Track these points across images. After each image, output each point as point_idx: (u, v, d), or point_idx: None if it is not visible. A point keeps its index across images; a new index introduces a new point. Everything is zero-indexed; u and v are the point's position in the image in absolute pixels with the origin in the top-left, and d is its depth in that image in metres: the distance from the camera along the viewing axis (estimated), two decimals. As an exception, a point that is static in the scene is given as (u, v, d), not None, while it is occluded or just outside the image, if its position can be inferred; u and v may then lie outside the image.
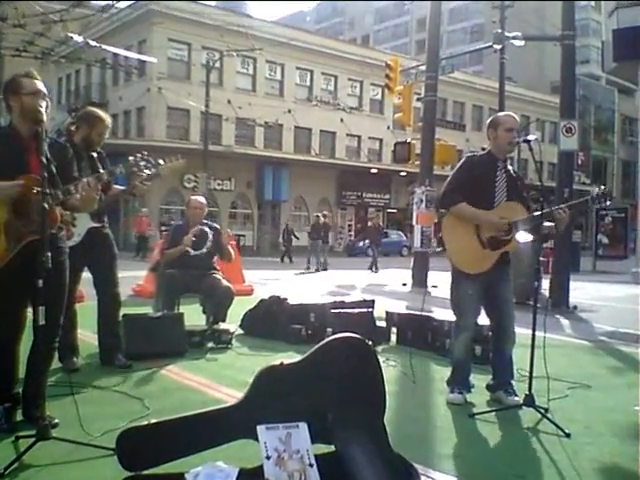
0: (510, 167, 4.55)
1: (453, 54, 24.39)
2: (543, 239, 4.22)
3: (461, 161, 4.66)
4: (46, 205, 3.21)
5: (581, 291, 12.62)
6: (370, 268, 20.50)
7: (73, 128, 5.05)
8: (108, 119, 5.10)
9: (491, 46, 16.40)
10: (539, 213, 4.18)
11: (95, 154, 5.04)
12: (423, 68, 15.54)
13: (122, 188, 5.16)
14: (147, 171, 4.17)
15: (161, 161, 4.21)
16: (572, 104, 11.61)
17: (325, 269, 20.70)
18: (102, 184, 4.36)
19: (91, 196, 3.67)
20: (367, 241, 21.88)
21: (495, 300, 4.48)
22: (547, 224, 4.25)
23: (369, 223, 23.24)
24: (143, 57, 28.35)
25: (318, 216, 22.09)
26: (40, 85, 3.57)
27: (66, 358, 5.04)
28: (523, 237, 4.17)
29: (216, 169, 29.52)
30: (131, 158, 4.10)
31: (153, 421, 2.79)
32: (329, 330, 6.18)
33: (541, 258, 4.46)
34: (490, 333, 4.75)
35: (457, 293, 4.53)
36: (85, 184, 3.60)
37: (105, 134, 5.06)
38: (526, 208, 4.34)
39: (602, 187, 4.35)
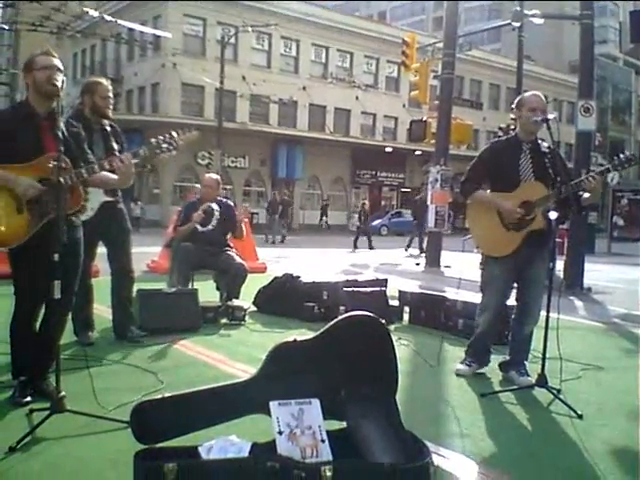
0: (544, 144, 4.46)
1: (471, 31, 24.11)
2: (577, 212, 4.24)
3: (484, 148, 4.70)
4: (62, 179, 3.23)
5: (596, 273, 12.55)
6: (409, 248, 19.21)
7: (80, 105, 5.06)
8: (105, 81, 5.13)
9: (509, 24, 16.18)
10: (562, 188, 4.13)
11: (109, 128, 5.05)
12: (440, 45, 15.40)
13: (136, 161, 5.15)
14: (168, 151, 4.17)
15: (174, 133, 4.23)
16: (590, 84, 11.49)
17: (282, 241, 22.92)
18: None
19: (128, 172, 3.70)
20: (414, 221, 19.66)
21: (526, 281, 4.50)
22: (585, 195, 4.24)
23: (417, 197, 21.23)
24: (158, 32, 28.26)
25: (275, 194, 24.73)
26: (54, 61, 3.56)
27: (81, 332, 5.10)
28: (553, 214, 4.11)
29: (230, 146, 29.51)
30: (153, 140, 4.12)
31: (167, 395, 2.81)
32: (342, 308, 6.20)
33: (556, 239, 4.43)
34: (513, 313, 4.74)
35: (485, 272, 4.64)
36: (119, 160, 3.63)
37: (108, 96, 5.03)
38: (551, 185, 4.27)
39: (627, 153, 4.25)
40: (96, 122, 4.96)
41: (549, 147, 4.45)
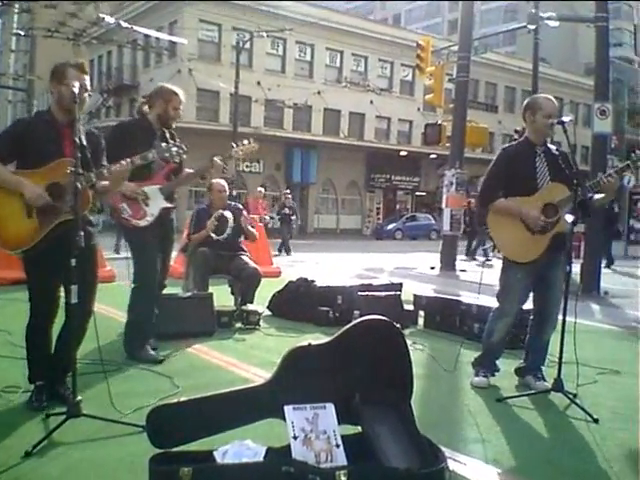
0: (552, 146, 4.45)
1: (486, 34, 24.05)
2: (587, 215, 4.17)
3: (497, 155, 4.60)
4: (79, 185, 3.26)
5: (612, 276, 12.46)
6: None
7: (146, 108, 4.97)
8: (181, 92, 5.03)
9: (525, 26, 16.12)
10: (579, 190, 4.07)
11: (168, 134, 4.93)
12: (455, 48, 15.38)
13: (191, 171, 5.07)
14: (177, 156, 4.19)
15: (234, 144, 4.31)
16: (606, 87, 11.43)
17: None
18: (173, 166, 4.64)
19: (119, 177, 3.73)
20: None
21: (545, 287, 4.43)
22: (597, 196, 4.20)
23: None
24: (174, 38, 28.43)
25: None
26: (85, 79, 3.59)
27: (144, 349, 4.89)
28: (570, 217, 4.08)
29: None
30: (163, 145, 4.18)
31: (183, 399, 2.83)
32: (356, 313, 6.19)
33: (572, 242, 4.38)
34: (531, 317, 4.69)
35: (505, 277, 4.50)
36: (117, 167, 3.65)
37: (181, 108, 4.97)
38: (570, 186, 4.24)
39: None
40: (159, 128, 4.89)
41: (557, 149, 4.44)
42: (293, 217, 19.12)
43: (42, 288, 3.62)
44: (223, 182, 6.91)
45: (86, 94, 3.58)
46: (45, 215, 3.48)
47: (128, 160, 3.77)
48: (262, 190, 19.89)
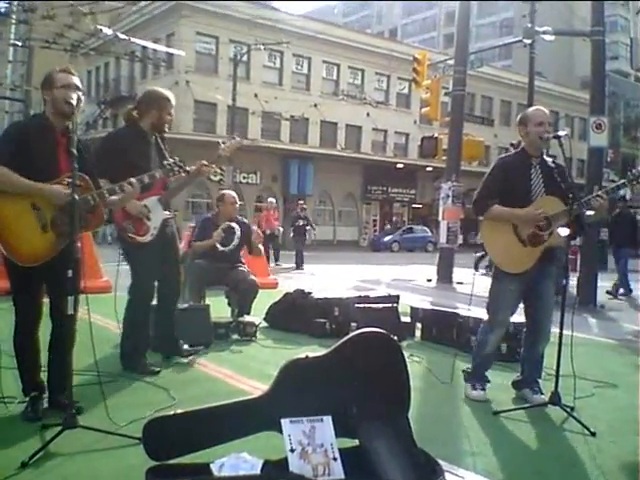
0: (549, 158, 4.45)
1: (482, 48, 24.16)
2: (580, 231, 4.19)
3: (493, 164, 4.62)
4: (76, 196, 3.26)
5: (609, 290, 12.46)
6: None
7: (135, 113, 4.80)
8: (172, 95, 4.88)
9: (521, 40, 16.19)
10: (575, 205, 4.10)
11: (159, 138, 4.83)
12: (451, 62, 15.47)
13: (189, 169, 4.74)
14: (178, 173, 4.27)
15: (220, 141, 4.34)
16: (602, 100, 11.50)
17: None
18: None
19: (130, 196, 3.78)
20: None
21: (535, 297, 4.43)
22: (588, 213, 4.22)
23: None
24: (171, 50, 28.52)
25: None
26: (74, 79, 3.63)
27: (143, 360, 4.87)
28: (565, 231, 4.10)
29: (242, 162, 29.61)
30: (166, 163, 4.21)
31: (179, 411, 2.82)
32: (353, 325, 6.19)
33: (569, 256, 4.39)
34: (524, 330, 4.69)
35: (496, 288, 4.49)
36: (129, 185, 3.66)
37: (173, 111, 4.84)
38: (566, 200, 4.25)
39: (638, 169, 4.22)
40: (152, 135, 4.78)
41: (554, 162, 4.44)
42: (308, 228, 18.41)
43: (27, 295, 3.61)
44: (234, 194, 6.94)
45: (79, 93, 3.59)
46: (61, 229, 3.46)
47: (138, 178, 3.82)
48: (273, 201, 19.46)
